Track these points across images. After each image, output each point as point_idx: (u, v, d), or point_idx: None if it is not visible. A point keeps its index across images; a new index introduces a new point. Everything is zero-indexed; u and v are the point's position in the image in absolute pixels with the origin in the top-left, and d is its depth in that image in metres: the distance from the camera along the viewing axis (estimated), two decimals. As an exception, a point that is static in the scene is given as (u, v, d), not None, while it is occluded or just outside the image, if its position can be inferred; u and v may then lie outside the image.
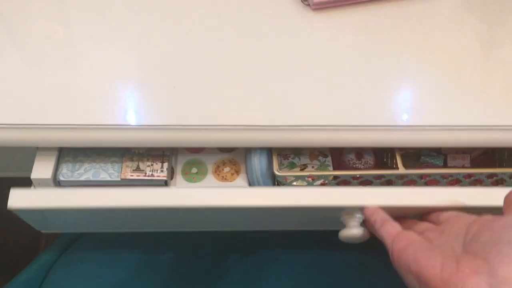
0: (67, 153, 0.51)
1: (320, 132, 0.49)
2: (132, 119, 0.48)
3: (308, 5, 0.56)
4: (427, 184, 0.54)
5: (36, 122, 0.47)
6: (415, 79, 0.52)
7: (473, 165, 0.57)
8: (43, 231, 0.54)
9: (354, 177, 0.52)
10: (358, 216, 0.45)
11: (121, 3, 0.56)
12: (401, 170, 0.51)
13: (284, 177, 0.52)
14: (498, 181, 0.55)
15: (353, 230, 0.45)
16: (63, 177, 0.50)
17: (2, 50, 0.52)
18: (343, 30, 0.55)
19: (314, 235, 0.60)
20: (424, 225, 0.43)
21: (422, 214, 0.45)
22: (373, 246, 0.45)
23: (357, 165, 0.55)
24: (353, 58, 0.53)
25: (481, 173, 0.53)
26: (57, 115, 0.47)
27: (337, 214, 0.46)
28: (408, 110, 0.50)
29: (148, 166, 0.51)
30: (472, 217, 0.39)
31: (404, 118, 0.49)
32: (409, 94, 0.51)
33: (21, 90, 0.49)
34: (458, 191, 0.45)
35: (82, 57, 0.52)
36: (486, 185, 0.54)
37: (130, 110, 0.48)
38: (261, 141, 0.49)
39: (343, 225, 0.46)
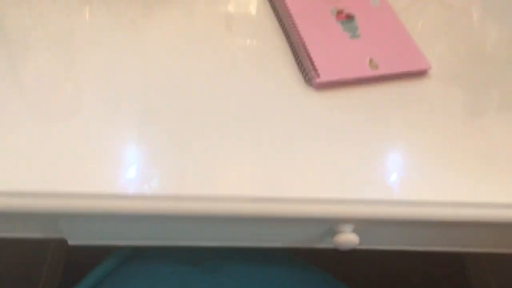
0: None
1: (313, 205, 0.52)
2: (137, 188, 0.51)
3: (311, 85, 0.61)
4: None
5: (50, 190, 0.51)
6: (406, 155, 0.56)
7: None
8: (70, 243, 0.56)
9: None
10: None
11: (134, 65, 0.61)
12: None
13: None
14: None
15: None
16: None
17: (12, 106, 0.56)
18: (341, 109, 0.60)
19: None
20: None
21: None
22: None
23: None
24: (348, 135, 0.57)
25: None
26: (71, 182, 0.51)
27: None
28: (400, 185, 0.54)
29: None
30: None
31: (396, 193, 0.53)
32: (400, 170, 0.55)
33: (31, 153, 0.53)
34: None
35: (90, 125, 0.56)
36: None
37: (135, 178, 0.52)
38: (259, 213, 0.52)
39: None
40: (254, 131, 0.57)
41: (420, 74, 0.64)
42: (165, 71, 0.63)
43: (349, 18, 0.68)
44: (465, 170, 0.56)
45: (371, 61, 0.62)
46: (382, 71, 0.62)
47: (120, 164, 0.53)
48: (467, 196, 0.54)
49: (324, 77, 0.60)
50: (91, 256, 0.74)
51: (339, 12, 0.68)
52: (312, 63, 0.61)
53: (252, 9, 0.75)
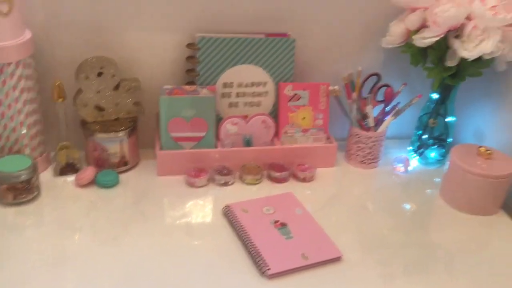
0: None
1: None
2: None
3: (265, 276, 0.87)
4: None
5: None
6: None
7: None
8: None
9: None
10: None
11: (116, 274, 0.85)
12: None
13: None
14: None
15: None
16: None
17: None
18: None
19: None
20: None
21: None
22: None
23: None
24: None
25: None
26: None
27: None
28: None
29: None
30: None
31: None
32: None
33: None
34: None
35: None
36: None
37: None
38: None
39: None
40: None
41: (336, 259, 0.93)
42: (142, 274, 0.87)
43: (283, 225, 0.99)
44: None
45: (303, 255, 0.91)
46: (311, 261, 0.91)
47: None
48: None
49: (274, 270, 0.88)
50: None
51: (275, 222, 0.99)
52: (264, 261, 0.89)
53: (211, 221, 1.04)
